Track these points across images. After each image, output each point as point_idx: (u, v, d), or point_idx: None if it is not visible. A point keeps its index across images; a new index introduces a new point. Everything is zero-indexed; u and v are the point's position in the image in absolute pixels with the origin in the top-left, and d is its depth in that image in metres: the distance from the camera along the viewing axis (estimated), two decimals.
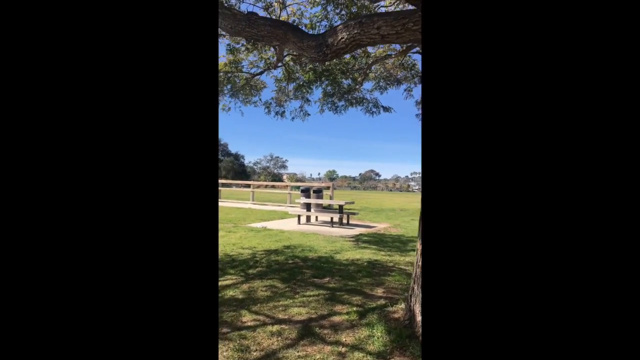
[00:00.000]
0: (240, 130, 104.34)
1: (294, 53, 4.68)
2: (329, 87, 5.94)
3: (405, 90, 5.92)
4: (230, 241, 5.39)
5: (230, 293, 2.95)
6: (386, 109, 5.77)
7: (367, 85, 6.43)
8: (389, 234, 6.64)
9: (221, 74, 5.25)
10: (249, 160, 78.07)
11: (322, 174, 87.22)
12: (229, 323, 2.31)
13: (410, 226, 7.71)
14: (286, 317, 2.43)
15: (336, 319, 2.41)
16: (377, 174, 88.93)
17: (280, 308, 2.59)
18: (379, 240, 5.81)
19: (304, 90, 5.39)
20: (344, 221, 7.86)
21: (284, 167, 61.79)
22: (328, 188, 12.30)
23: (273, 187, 21.39)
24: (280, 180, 54.74)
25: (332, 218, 7.51)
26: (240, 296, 2.87)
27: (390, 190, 64.19)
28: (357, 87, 6.32)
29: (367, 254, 4.63)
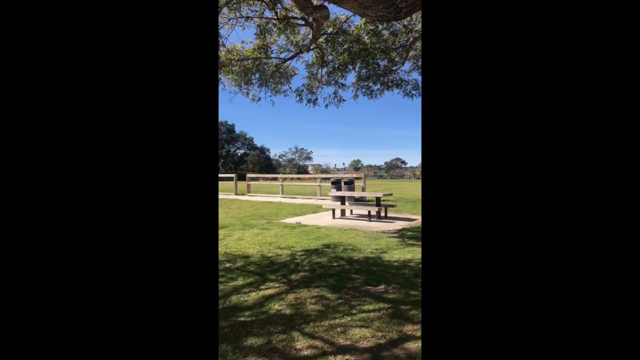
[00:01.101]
0: (265, 124, 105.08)
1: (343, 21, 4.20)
2: (363, 70, 5.41)
3: None
4: (266, 240, 5.05)
5: (275, 306, 2.58)
6: None
7: (404, 66, 5.84)
8: None
9: (249, 61, 4.86)
10: (274, 153, 78.58)
11: (347, 164, 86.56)
12: (281, 351, 1.93)
13: None
14: (349, 342, 2.01)
15: (411, 346, 1.96)
16: (404, 162, 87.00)
17: (339, 329, 2.18)
18: None
19: (338, 74, 4.89)
20: (382, 214, 7.36)
21: (309, 158, 61.62)
22: (360, 179, 11.79)
23: (299, 179, 21.08)
24: (306, 172, 54.63)
25: (369, 212, 7.03)
26: (288, 311, 2.49)
27: (418, 178, 62.65)
28: (395, 68, 5.73)
29: (418, 254, 4.14)
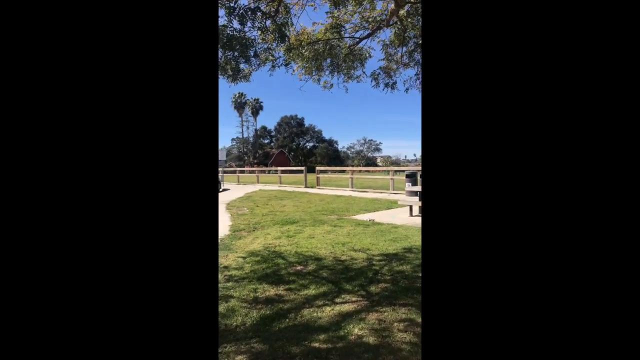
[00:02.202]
0: (334, 116, 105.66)
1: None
2: None
3: None
4: (339, 239, 4.65)
5: (355, 330, 2.13)
6: None
7: None
8: None
9: (320, 44, 4.44)
10: (342, 145, 78.38)
11: (418, 155, 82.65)
12: None
13: None
14: None
15: None
16: None
17: None
18: None
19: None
20: None
21: (378, 149, 60.06)
22: None
23: (369, 171, 20.40)
24: (375, 164, 53.42)
25: None
26: (371, 339, 2.02)
27: None
28: None
29: None
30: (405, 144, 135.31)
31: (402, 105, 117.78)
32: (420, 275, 3.16)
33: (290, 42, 3.70)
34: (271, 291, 2.87)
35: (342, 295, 2.72)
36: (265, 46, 3.59)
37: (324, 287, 2.91)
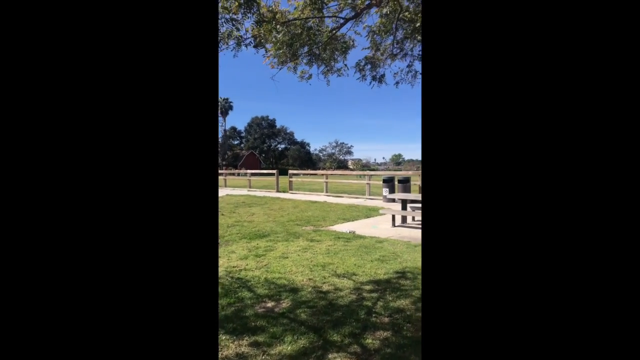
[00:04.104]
0: (305, 118, 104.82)
1: None
2: None
3: None
4: (318, 260, 3.90)
5: None
6: None
7: None
8: None
9: (296, 25, 3.68)
10: (314, 147, 77.76)
11: (388, 159, 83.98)
12: None
13: None
14: None
15: None
16: None
17: None
18: None
19: (419, 36, 3.54)
20: None
21: (350, 152, 60.04)
22: (415, 177, 10.31)
23: (342, 175, 19.83)
24: (346, 166, 53.25)
25: None
26: None
27: None
28: None
29: None
30: (375, 147, 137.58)
31: (371, 108, 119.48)
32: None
33: (261, 12, 2.92)
34: (230, 347, 2.07)
35: (330, 354, 1.98)
36: (228, 17, 2.78)
37: (303, 340, 2.15)
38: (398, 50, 3.93)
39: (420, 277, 3.30)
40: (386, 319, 2.42)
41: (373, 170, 50.19)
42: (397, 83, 4.14)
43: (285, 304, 2.72)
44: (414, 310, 2.54)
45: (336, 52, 4.28)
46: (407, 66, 3.98)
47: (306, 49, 4.12)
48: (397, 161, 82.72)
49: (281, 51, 3.61)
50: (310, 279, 3.28)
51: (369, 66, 4.05)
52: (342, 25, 3.66)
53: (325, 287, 3.06)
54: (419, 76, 4.10)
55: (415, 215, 6.09)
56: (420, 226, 6.07)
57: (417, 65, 4.08)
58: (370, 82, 4.04)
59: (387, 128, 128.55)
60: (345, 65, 4.39)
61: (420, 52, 4.01)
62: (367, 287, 3.05)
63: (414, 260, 3.87)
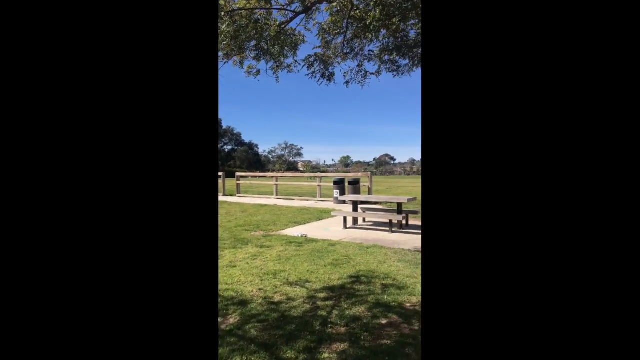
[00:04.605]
0: (253, 118, 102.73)
1: None
2: (389, 39, 4.05)
3: None
4: (268, 267, 3.67)
5: None
6: None
7: None
8: None
9: (242, 16, 3.43)
10: (263, 149, 76.22)
11: (337, 160, 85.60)
12: None
13: None
14: None
15: None
16: (392, 158, 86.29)
17: None
18: None
19: (369, 35, 3.49)
20: (403, 223, 6.06)
21: (299, 154, 60.01)
22: (364, 178, 10.47)
23: (293, 177, 19.62)
24: (296, 168, 53.06)
25: (391, 221, 5.71)
26: None
27: (409, 175, 61.75)
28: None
29: None
30: (325, 150, 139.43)
31: (321, 110, 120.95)
32: (384, 321, 2.40)
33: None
34: None
35: None
36: None
37: None
38: (348, 50, 3.86)
39: (374, 281, 3.24)
40: (343, 329, 2.28)
41: (323, 172, 50.61)
42: (347, 82, 4.07)
43: (233, 319, 2.46)
44: (371, 318, 2.44)
45: (286, 48, 4.09)
46: (357, 66, 3.92)
47: (253, 43, 3.88)
48: (346, 163, 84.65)
49: (225, 43, 3.33)
50: (260, 289, 3.04)
51: (319, 63, 3.92)
52: (292, 19, 3.49)
53: (277, 298, 2.85)
54: (370, 76, 4.08)
55: (365, 216, 6.12)
56: (369, 227, 6.11)
57: (368, 66, 4.06)
58: (319, 80, 3.91)
59: (336, 130, 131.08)
60: (296, 60, 4.23)
61: (370, 52, 3.99)
62: (322, 295, 2.90)
63: (367, 263, 3.82)
